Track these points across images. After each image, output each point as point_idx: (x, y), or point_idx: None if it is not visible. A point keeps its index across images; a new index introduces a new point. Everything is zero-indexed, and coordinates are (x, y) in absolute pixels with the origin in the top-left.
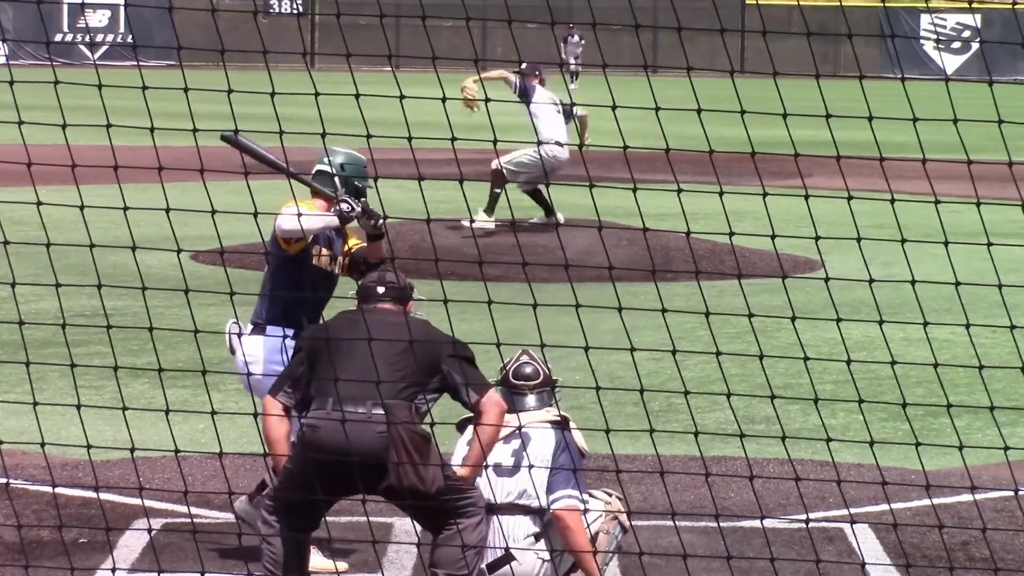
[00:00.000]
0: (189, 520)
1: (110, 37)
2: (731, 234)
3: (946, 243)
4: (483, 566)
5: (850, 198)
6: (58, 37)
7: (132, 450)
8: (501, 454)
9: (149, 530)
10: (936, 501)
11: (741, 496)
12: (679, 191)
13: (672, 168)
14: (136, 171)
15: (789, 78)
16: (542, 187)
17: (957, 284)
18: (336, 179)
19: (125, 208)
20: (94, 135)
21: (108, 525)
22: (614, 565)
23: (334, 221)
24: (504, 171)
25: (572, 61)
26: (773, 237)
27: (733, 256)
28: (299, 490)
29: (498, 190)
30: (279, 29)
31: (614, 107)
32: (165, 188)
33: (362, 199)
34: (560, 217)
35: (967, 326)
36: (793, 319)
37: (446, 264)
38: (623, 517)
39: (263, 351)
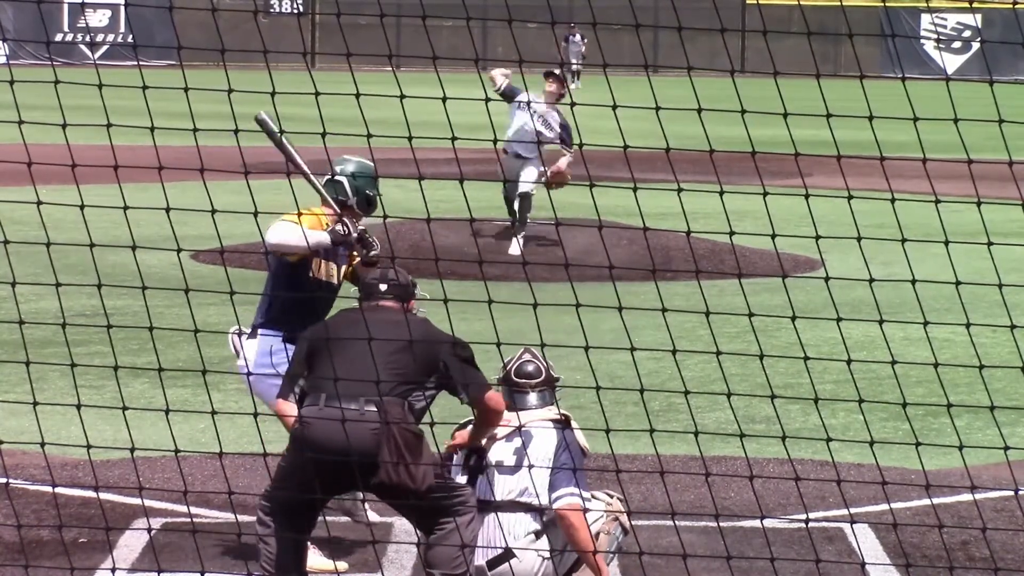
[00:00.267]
0: (189, 520)
1: (110, 37)
2: (731, 233)
3: (946, 243)
4: (483, 563)
5: (850, 197)
6: (58, 37)
7: (132, 450)
8: (503, 452)
9: (149, 530)
10: (936, 501)
11: (741, 496)
12: (679, 190)
13: (672, 168)
14: (136, 171)
15: (789, 78)
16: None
17: (957, 284)
18: (348, 187)
19: (125, 208)
20: (94, 135)
21: (108, 525)
22: (614, 565)
23: (325, 240)
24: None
25: (574, 61)
26: (773, 236)
27: (733, 256)
28: (294, 489)
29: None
30: (279, 29)
31: (614, 107)
32: (165, 188)
33: (362, 230)
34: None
35: (967, 326)
36: (793, 319)
37: (446, 263)
38: (623, 518)
39: (255, 354)
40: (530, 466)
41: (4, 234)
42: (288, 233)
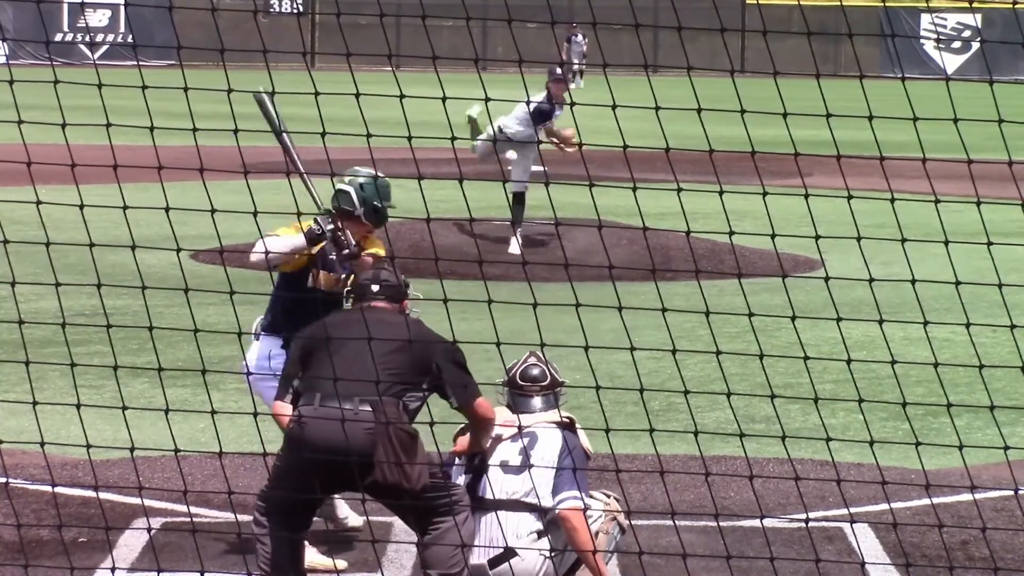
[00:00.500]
0: (189, 520)
1: (110, 37)
2: (731, 233)
3: (946, 242)
4: (484, 562)
5: (850, 197)
6: (58, 37)
7: (132, 449)
8: (508, 452)
9: (149, 529)
10: (936, 501)
11: (741, 496)
12: (679, 190)
13: (672, 167)
14: (136, 171)
15: (789, 78)
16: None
17: (957, 283)
18: (355, 197)
19: (125, 207)
20: (94, 135)
21: (108, 524)
22: (613, 565)
23: (301, 243)
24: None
25: (576, 61)
26: (773, 236)
27: (733, 255)
28: (289, 488)
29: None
30: (279, 29)
31: (614, 106)
32: (165, 188)
33: (336, 231)
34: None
35: (967, 325)
36: (793, 318)
37: (446, 263)
38: (621, 517)
39: (255, 356)
40: (530, 466)
41: (4, 234)
42: (262, 246)
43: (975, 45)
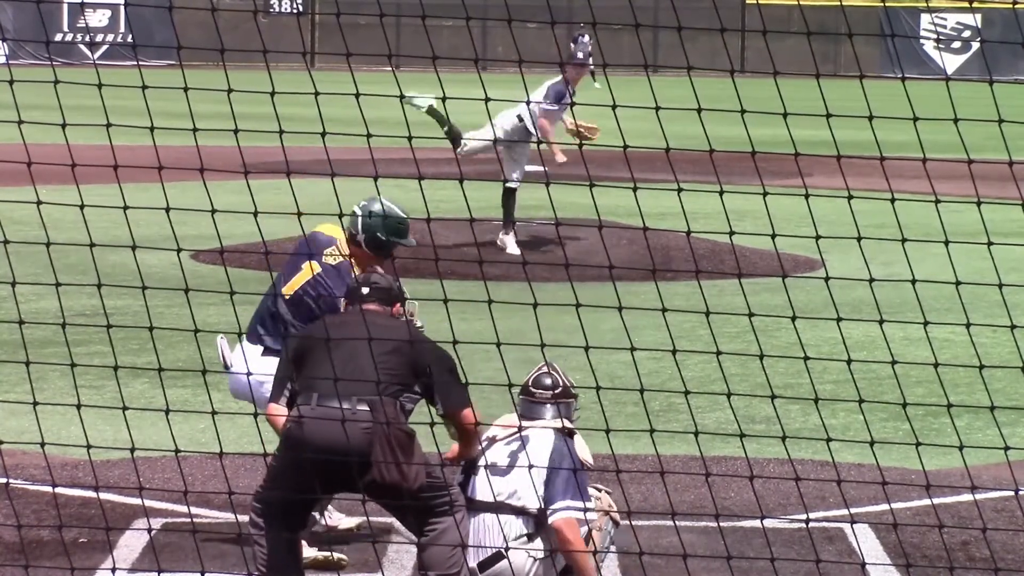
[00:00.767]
0: (189, 520)
1: (110, 37)
2: (731, 233)
3: (946, 242)
4: (474, 565)
5: (850, 197)
6: (58, 37)
7: (132, 450)
8: (498, 454)
9: (149, 530)
10: (936, 501)
11: (741, 496)
12: (679, 190)
13: (672, 167)
14: (136, 171)
15: (789, 77)
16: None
17: (957, 284)
18: (359, 222)
19: (125, 208)
20: (94, 135)
21: (108, 525)
22: (614, 565)
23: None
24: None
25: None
26: (773, 236)
27: (733, 255)
28: (286, 488)
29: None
30: (279, 28)
31: (614, 106)
32: (165, 188)
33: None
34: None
35: (967, 326)
36: (793, 319)
37: (446, 263)
38: (615, 512)
39: (253, 361)
40: (529, 466)
41: (4, 234)
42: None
43: (975, 45)
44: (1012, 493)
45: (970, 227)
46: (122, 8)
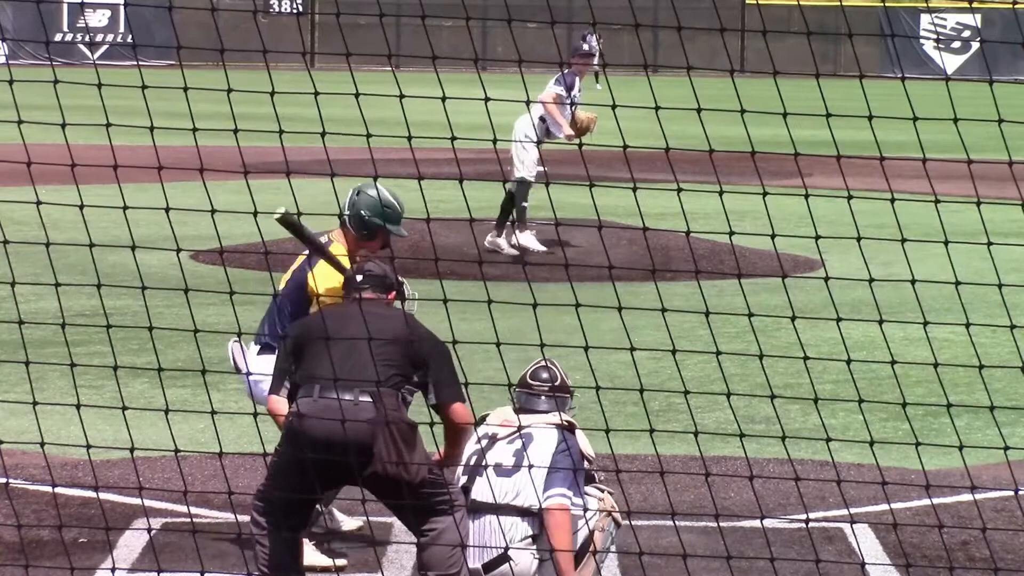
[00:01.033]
0: (189, 520)
1: (110, 37)
2: (731, 233)
3: (946, 243)
4: (479, 566)
5: (850, 197)
6: (58, 37)
7: (132, 450)
8: (502, 454)
9: (149, 530)
10: (936, 501)
11: (741, 496)
12: (679, 190)
13: (672, 167)
14: (136, 171)
15: (789, 77)
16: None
17: (957, 284)
18: (348, 201)
19: (125, 208)
20: (94, 135)
21: (108, 525)
22: (613, 565)
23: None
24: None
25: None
26: (773, 237)
27: (733, 256)
28: (288, 483)
29: (525, 203)
30: (279, 29)
31: (614, 106)
32: (165, 188)
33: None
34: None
35: (967, 326)
36: (793, 319)
37: (446, 263)
38: (617, 513)
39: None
40: (530, 466)
41: (4, 234)
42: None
43: (975, 45)
44: (1012, 493)
45: (970, 227)
46: (122, 8)
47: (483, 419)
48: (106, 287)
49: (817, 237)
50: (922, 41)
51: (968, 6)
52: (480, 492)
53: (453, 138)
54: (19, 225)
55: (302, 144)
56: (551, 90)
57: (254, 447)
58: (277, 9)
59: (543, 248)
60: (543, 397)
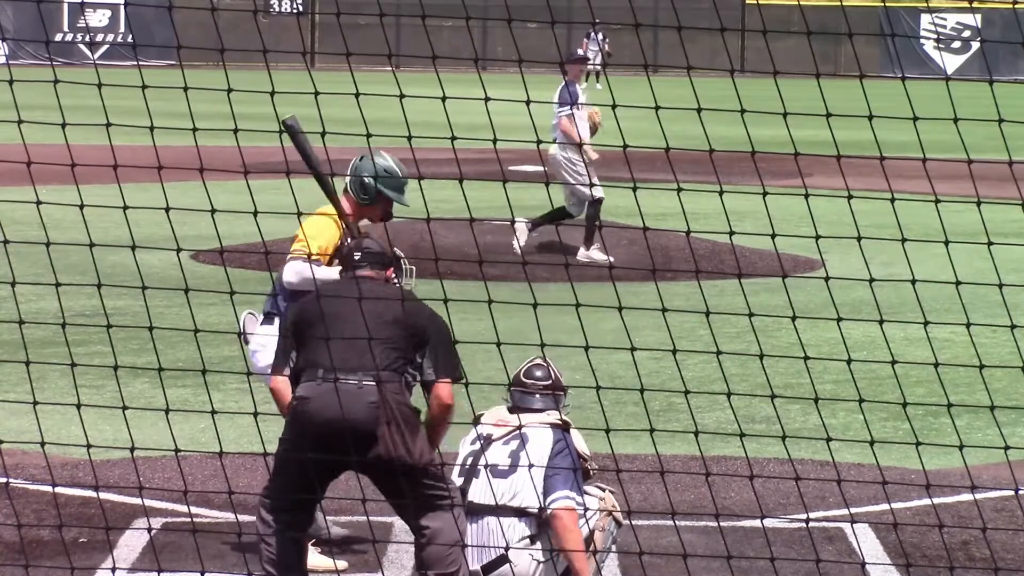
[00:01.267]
0: (189, 520)
1: (110, 37)
2: (731, 233)
3: (946, 242)
4: (478, 567)
5: (850, 197)
6: (58, 37)
7: (132, 450)
8: (499, 455)
9: (149, 530)
10: (936, 501)
11: (741, 496)
12: (679, 190)
13: (672, 167)
14: (136, 171)
15: (789, 77)
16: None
17: (958, 284)
18: (352, 166)
19: (125, 208)
20: (94, 135)
21: (108, 525)
22: (613, 565)
23: (334, 274)
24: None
25: (591, 59)
26: (773, 236)
27: (733, 256)
28: (295, 472)
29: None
30: (279, 28)
31: (614, 106)
32: (165, 188)
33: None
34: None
35: (967, 325)
36: (793, 319)
37: (446, 263)
38: (617, 512)
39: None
40: (528, 466)
41: (4, 234)
42: (304, 274)
43: (975, 45)
44: (1012, 493)
45: (970, 227)
46: (122, 8)
47: (478, 419)
48: (106, 287)
49: (817, 237)
50: (922, 41)
51: (968, 6)
52: (477, 493)
53: (453, 138)
54: (19, 225)
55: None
56: (564, 112)
57: (254, 447)
58: (277, 9)
59: (610, 258)
60: (538, 396)
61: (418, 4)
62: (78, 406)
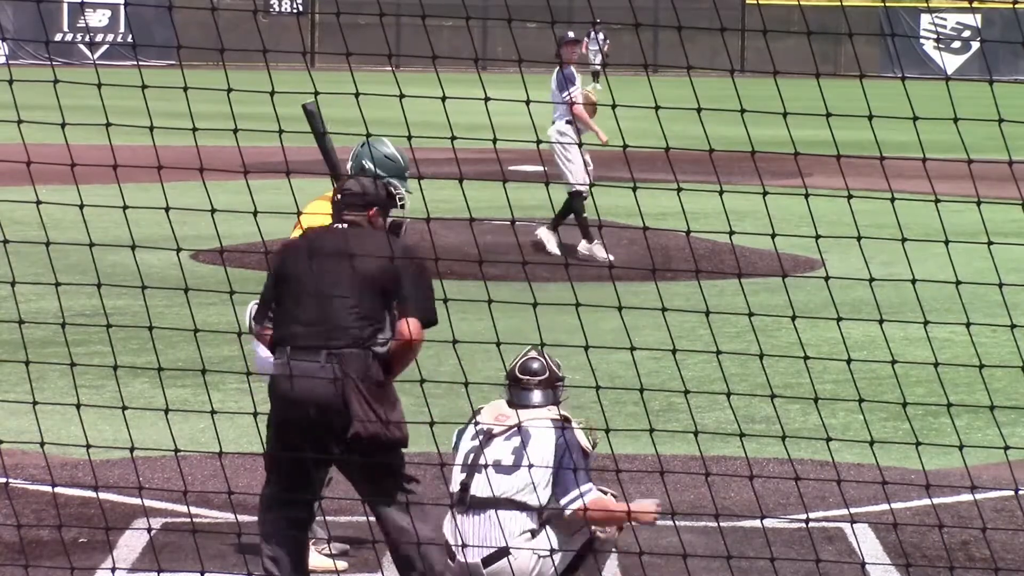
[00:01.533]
0: (189, 520)
1: (110, 37)
2: (731, 233)
3: (946, 242)
4: (478, 560)
5: (850, 197)
6: (58, 37)
7: (132, 450)
8: (501, 452)
9: (149, 530)
10: (936, 501)
11: (741, 496)
12: (679, 190)
13: (672, 167)
14: (136, 171)
15: (789, 77)
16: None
17: (958, 283)
18: (353, 152)
19: (125, 207)
20: (94, 134)
21: (108, 525)
22: (613, 565)
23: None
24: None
25: (592, 58)
26: (773, 236)
27: (733, 255)
28: (280, 452)
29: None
30: (279, 28)
31: (614, 106)
32: (165, 188)
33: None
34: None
35: (967, 325)
36: (793, 318)
37: (446, 263)
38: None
39: None
40: (530, 465)
41: (4, 234)
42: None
43: (975, 45)
44: (1012, 493)
45: (970, 227)
46: (122, 8)
47: (476, 413)
48: (106, 287)
49: (817, 237)
50: (922, 41)
51: (968, 6)
52: (479, 488)
53: (453, 138)
54: (19, 225)
55: (302, 144)
56: (574, 93)
57: (254, 447)
58: (277, 9)
59: (609, 257)
60: (536, 391)
61: (418, 4)
62: (78, 406)
